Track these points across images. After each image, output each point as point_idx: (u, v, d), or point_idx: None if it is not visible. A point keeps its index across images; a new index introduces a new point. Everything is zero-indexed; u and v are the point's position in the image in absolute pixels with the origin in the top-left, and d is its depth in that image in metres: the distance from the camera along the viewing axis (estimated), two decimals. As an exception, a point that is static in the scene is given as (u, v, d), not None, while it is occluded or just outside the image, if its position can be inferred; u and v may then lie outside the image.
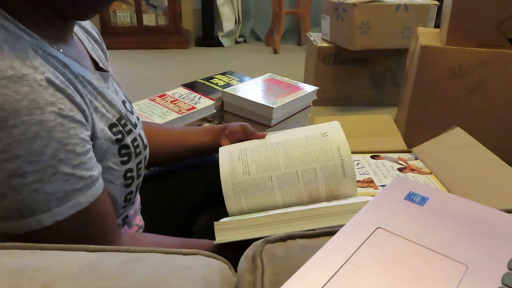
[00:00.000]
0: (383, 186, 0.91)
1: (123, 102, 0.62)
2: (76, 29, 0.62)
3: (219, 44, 3.41)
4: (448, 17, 1.43)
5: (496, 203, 0.54)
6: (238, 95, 1.16)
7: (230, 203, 0.66)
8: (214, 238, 0.58)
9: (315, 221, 0.56)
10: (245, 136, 0.77)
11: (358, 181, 0.95)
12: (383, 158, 1.06)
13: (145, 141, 0.64)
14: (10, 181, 0.42)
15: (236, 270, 0.36)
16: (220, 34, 3.40)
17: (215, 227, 0.58)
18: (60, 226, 0.46)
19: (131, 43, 3.23)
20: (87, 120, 0.49)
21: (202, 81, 1.32)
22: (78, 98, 0.48)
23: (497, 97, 1.46)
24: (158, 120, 1.08)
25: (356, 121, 1.36)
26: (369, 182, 0.95)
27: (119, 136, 0.56)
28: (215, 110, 1.20)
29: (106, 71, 0.62)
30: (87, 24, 0.67)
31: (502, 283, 0.28)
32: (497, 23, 1.38)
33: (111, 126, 0.55)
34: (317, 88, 1.24)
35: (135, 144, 0.59)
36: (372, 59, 2.11)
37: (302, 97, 1.18)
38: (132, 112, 0.64)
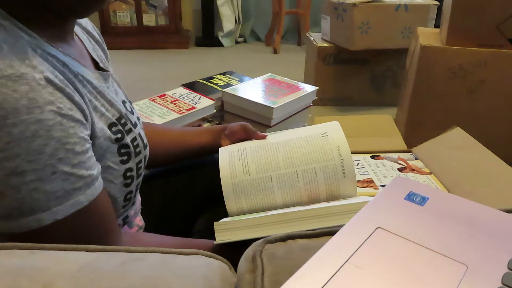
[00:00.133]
0: (383, 186, 0.91)
1: (123, 102, 0.62)
2: (77, 29, 0.62)
3: (219, 44, 3.41)
4: (448, 17, 1.43)
5: (496, 203, 0.54)
6: (238, 95, 1.16)
7: (230, 203, 0.66)
8: (214, 238, 0.58)
9: (315, 221, 0.56)
10: (246, 135, 0.77)
11: (358, 181, 0.95)
12: (383, 158, 1.06)
13: (145, 140, 0.64)
14: (9, 180, 0.42)
15: (236, 270, 0.36)
16: (220, 34, 3.40)
17: (215, 227, 0.58)
18: (60, 225, 0.46)
19: (131, 43, 3.23)
20: (86, 119, 0.49)
21: (202, 81, 1.32)
22: (77, 97, 0.48)
23: (497, 97, 1.46)
24: (158, 120, 1.07)
25: (356, 121, 1.36)
26: (369, 182, 0.95)
27: (119, 135, 0.56)
28: (215, 110, 1.20)
29: (106, 70, 0.62)
30: (88, 24, 0.67)
31: (502, 283, 0.28)
32: (497, 23, 1.38)
33: (110, 126, 0.55)
34: (317, 88, 1.24)
35: (134, 143, 0.59)
36: (372, 59, 2.11)
37: (302, 97, 1.18)
38: (132, 112, 0.64)
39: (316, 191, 0.66)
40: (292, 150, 0.68)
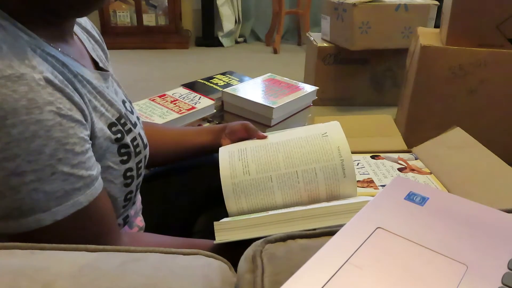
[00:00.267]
0: (383, 186, 0.91)
1: (123, 102, 0.62)
2: (77, 29, 0.62)
3: (219, 44, 3.41)
4: (448, 17, 1.43)
5: (496, 203, 0.54)
6: (238, 95, 1.16)
7: (230, 203, 0.66)
8: (214, 238, 0.58)
9: (315, 221, 0.56)
10: (247, 134, 0.76)
11: (358, 181, 0.95)
12: (383, 158, 1.06)
13: (145, 140, 0.64)
14: (9, 180, 0.42)
15: (236, 270, 0.36)
16: (220, 34, 3.40)
17: (215, 227, 0.58)
18: (60, 225, 0.45)
19: (131, 43, 3.23)
20: (86, 120, 0.49)
21: (202, 81, 1.32)
22: (77, 97, 0.48)
23: (497, 97, 1.46)
24: (158, 120, 1.07)
25: (356, 121, 1.36)
26: (369, 182, 0.95)
27: (119, 135, 0.56)
28: (215, 110, 1.20)
29: (106, 70, 0.62)
30: (87, 24, 0.67)
31: (502, 283, 0.28)
32: (497, 23, 1.38)
33: (110, 126, 0.55)
34: (317, 88, 1.24)
35: (134, 143, 0.59)
36: (372, 59, 2.11)
37: (302, 97, 1.18)
38: (132, 112, 0.64)
39: (316, 191, 0.66)
40: (292, 150, 0.68)
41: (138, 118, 0.66)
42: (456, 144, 1.04)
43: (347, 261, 0.30)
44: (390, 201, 0.37)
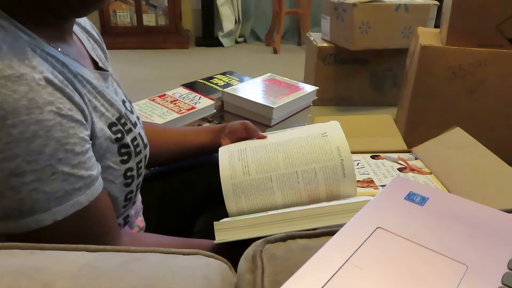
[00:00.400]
0: (383, 186, 0.91)
1: (123, 102, 0.62)
2: (76, 29, 0.62)
3: (219, 44, 3.41)
4: (448, 17, 1.43)
5: (496, 203, 0.54)
6: (238, 95, 1.16)
7: (230, 204, 0.66)
8: (214, 238, 0.58)
9: (315, 220, 0.56)
10: (246, 134, 0.76)
11: (358, 181, 0.95)
12: (383, 158, 1.06)
13: (145, 140, 0.64)
14: (9, 181, 0.42)
15: (236, 270, 0.36)
16: (220, 34, 3.40)
17: (215, 227, 0.58)
18: (60, 225, 0.45)
19: (131, 43, 3.23)
20: (86, 120, 0.49)
21: (202, 81, 1.32)
22: (77, 97, 0.48)
23: (497, 97, 1.46)
24: (158, 120, 1.07)
25: (356, 121, 1.36)
26: (369, 182, 0.95)
27: (119, 135, 0.56)
28: (215, 110, 1.20)
29: (106, 70, 0.62)
30: (87, 24, 0.67)
31: (502, 283, 0.28)
32: (497, 23, 1.38)
33: (110, 125, 0.55)
34: (317, 88, 1.24)
35: (135, 143, 0.59)
36: (372, 59, 2.11)
37: (302, 97, 1.18)
38: (132, 112, 0.64)
39: (316, 191, 0.66)
40: (292, 150, 0.68)
41: (138, 118, 0.66)
42: (456, 144, 1.04)
43: (347, 261, 0.30)
44: (390, 201, 0.37)
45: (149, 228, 0.72)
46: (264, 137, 0.74)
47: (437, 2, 1.96)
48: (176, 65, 2.92)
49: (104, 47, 0.69)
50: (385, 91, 2.19)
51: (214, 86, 1.28)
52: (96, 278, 0.31)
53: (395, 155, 1.08)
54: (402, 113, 1.68)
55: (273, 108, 1.08)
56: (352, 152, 0.67)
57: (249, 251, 0.36)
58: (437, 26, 1.72)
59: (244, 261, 0.35)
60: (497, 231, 0.33)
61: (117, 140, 0.55)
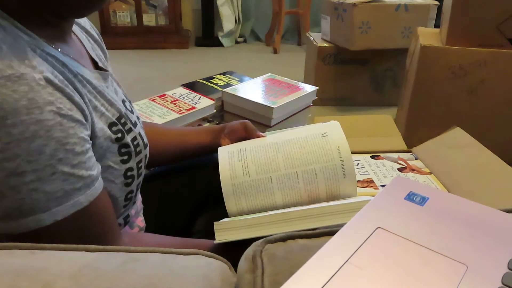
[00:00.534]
0: (383, 186, 0.91)
1: (123, 102, 0.62)
2: (76, 28, 0.62)
3: (219, 44, 3.41)
4: (448, 17, 1.43)
5: (496, 203, 0.54)
6: (238, 95, 1.16)
7: (230, 204, 0.66)
8: (214, 238, 0.58)
9: (315, 220, 0.56)
10: (246, 134, 0.76)
11: (358, 181, 0.95)
12: (383, 158, 1.06)
13: (145, 140, 0.64)
14: (9, 181, 0.42)
15: (236, 270, 0.36)
16: (220, 34, 3.40)
17: (215, 227, 0.58)
18: (60, 225, 0.45)
19: (131, 43, 3.23)
20: (86, 119, 0.49)
21: (202, 81, 1.32)
22: (77, 97, 0.48)
23: (497, 97, 1.46)
24: (158, 120, 1.08)
25: (356, 121, 1.36)
26: (369, 182, 0.95)
27: (119, 135, 0.56)
28: (215, 110, 1.20)
29: (106, 70, 0.62)
30: (86, 24, 0.67)
31: (502, 283, 0.28)
32: (497, 23, 1.38)
33: (110, 125, 0.55)
34: (317, 88, 1.24)
35: (135, 143, 0.59)
36: (372, 59, 2.11)
37: (302, 97, 1.18)
38: (132, 111, 0.64)
39: (316, 192, 0.66)
40: (292, 150, 0.68)
41: (138, 118, 0.66)
42: (456, 144, 1.04)
43: (347, 261, 0.30)
44: (390, 201, 0.37)
45: (149, 228, 0.72)
46: (263, 137, 0.74)
47: (437, 2, 1.96)
48: (176, 65, 2.92)
49: (104, 47, 0.69)
50: (385, 91, 2.19)
51: (214, 86, 1.28)
52: (96, 278, 0.31)
53: (395, 155, 1.08)
54: (402, 113, 1.68)
55: (273, 108, 1.08)
56: (352, 152, 0.67)
57: (249, 251, 0.36)
58: (437, 26, 1.72)
59: (244, 261, 0.35)
60: (497, 231, 0.33)
61: (117, 140, 0.55)
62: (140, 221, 0.71)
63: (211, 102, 1.18)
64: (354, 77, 2.16)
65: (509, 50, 1.39)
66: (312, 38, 2.22)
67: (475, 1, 1.37)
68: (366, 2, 1.86)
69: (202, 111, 1.16)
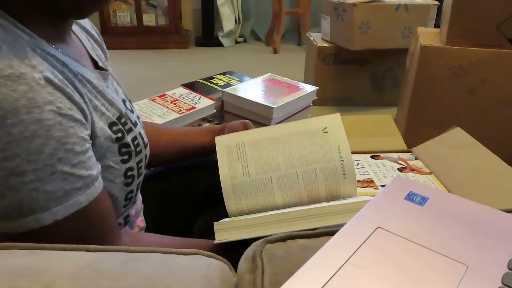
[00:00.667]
0: (383, 186, 0.91)
1: (123, 101, 0.62)
2: (76, 28, 0.62)
3: (219, 44, 3.41)
4: (448, 17, 1.43)
5: (496, 203, 0.54)
6: (238, 95, 1.16)
7: (230, 204, 0.66)
8: (214, 238, 0.58)
9: (315, 220, 0.56)
10: None
11: (358, 181, 0.95)
12: (383, 158, 1.06)
13: (146, 139, 0.64)
14: (9, 180, 0.42)
15: (236, 270, 0.36)
16: (220, 34, 3.40)
17: (215, 227, 0.58)
18: (60, 225, 0.45)
19: (131, 43, 3.23)
20: (86, 119, 0.49)
21: (202, 81, 1.32)
22: (77, 97, 0.48)
23: (497, 97, 1.46)
24: (158, 120, 1.07)
25: (356, 121, 1.36)
26: (369, 182, 0.95)
27: (119, 134, 0.56)
28: (215, 110, 1.20)
29: (106, 70, 0.62)
30: (86, 23, 0.67)
31: (502, 283, 0.28)
32: (497, 23, 1.37)
33: (111, 125, 0.55)
34: (317, 88, 1.24)
35: (135, 142, 0.59)
36: (372, 59, 2.11)
37: (302, 97, 1.19)
38: (132, 111, 0.64)
39: (316, 192, 0.66)
40: (292, 149, 0.68)
41: (138, 117, 0.66)
42: (456, 144, 1.04)
43: (347, 261, 0.30)
44: (390, 201, 0.37)
45: (149, 228, 0.72)
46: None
47: (437, 2, 1.96)
48: (176, 65, 2.92)
49: (104, 46, 0.69)
50: (385, 91, 2.19)
51: (214, 86, 1.28)
52: (96, 278, 0.31)
53: (395, 155, 1.08)
54: (402, 113, 1.68)
55: (273, 108, 1.08)
56: (352, 152, 0.67)
57: (249, 251, 0.36)
58: (437, 26, 1.72)
59: (244, 261, 0.35)
60: (497, 231, 0.33)
61: (118, 139, 0.55)
62: (140, 221, 0.71)
63: (211, 102, 1.18)
64: (354, 77, 2.16)
65: (509, 50, 1.39)
66: (312, 38, 2.22)
67: (475, 1, 1.37)
68: (366, 2, 1.86)
69: (202, 111, 1.16)
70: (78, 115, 0.47)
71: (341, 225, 0.34)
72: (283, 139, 0.69)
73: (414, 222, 0.34)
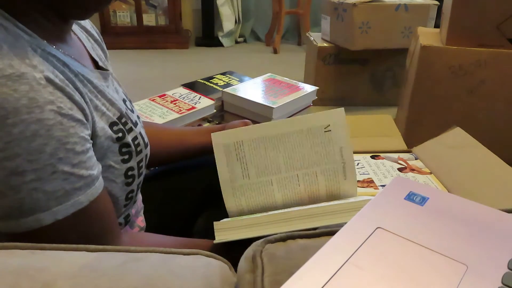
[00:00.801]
0: (383, 186, 0.91)
1: (124, 101, 0.62)
2: (76, 28, 0.62)
3: (219, 44, 3.41)
4: (448, 17, 1.43)
5: (496, 203, 0.54)
6: (238, 95, 1.16)
7: (230, 205, 0.66)
8: (214, 238, 0.58)
9: (315, 219, 0.56)
10: None
11: (358, 181, 0.95)
12: (383, 158, 1.06)
13: (146, 139, 0.64)
14: (9, 180, 0.42)
15: (236, 270, 0.36)
16: (220, 34, 3.40)
17: (215, 227, 0.58)
18: (60, 225, 0.45)
19: (131, 43, 3.23)
20: (87, 119, 0.49)
21: (202, 81, 1.32)
22: (77, 97, 0.48)
23: (497, 97, 1.46)
24: (158, 120, 1.07)
25: (356, 121, 1.36)
26: (369, 182, 0.95)
27: (120, 134, 0.56)
28: (215, 110, 1.20)
29: (106, 69, 0.62)
30: (87, 23, 0.67)
31: (502, 283, 0.28)
32: (497, 23, 1.38)
33: (111, 125, 0.55)
34: (317, 88, 1.24)
35: (136, 142, 0.59)
36: (372, 59, 2.11)
37: (302, 97, 1.19)
38: (132, 111, 0.64)
39: (317, 193, 0.66)
40: (293, 150, 0.67)
41: (138, 117, 0.66)
42: (456, 144, 1.04)
43: (347, 261, 0.30)
44: (390, 201, 0.37)
45: (149, 228, 0.72)
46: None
47: (437, 2, 1.96)
48: (176, 65, 2.92)
49: (104, 46, 0.69)
50: (385, 91, 2.19)
51: (214, 86, 1.28)
52: (96, 278, 0.31)
53: (395, 155, 1.08)
54: (402, 113, 1.68)
55: (273, 108, 1.08)
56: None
57: (249, 251, 0.36)
58: (437, 26, 1.72)
59: (244, 261, 0.35)
60: (497, 231, 0.33)
61: (118, 139, 0.55)
62: (141, 221, 0.71)
63: (211, 102, 1.18)
64: (354, 77, 2.16)
65: (509, 50, 1.39)
66: (312, 38, 2.22)
67: (475, 1, 1.37)
68: (366, 2, 1.86)
69: (202, 111, 1.16)
70: (79, 115, 0.47)
71: (341, 225, 0.34)
72: (284, 139, 0.67)
73: (414, 222, 0.34)
